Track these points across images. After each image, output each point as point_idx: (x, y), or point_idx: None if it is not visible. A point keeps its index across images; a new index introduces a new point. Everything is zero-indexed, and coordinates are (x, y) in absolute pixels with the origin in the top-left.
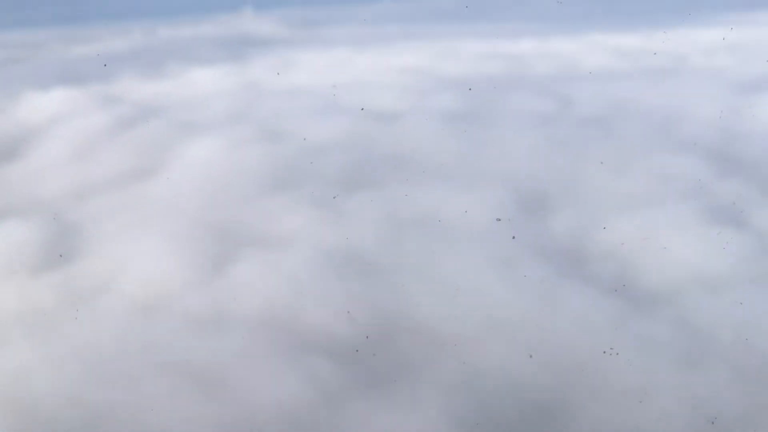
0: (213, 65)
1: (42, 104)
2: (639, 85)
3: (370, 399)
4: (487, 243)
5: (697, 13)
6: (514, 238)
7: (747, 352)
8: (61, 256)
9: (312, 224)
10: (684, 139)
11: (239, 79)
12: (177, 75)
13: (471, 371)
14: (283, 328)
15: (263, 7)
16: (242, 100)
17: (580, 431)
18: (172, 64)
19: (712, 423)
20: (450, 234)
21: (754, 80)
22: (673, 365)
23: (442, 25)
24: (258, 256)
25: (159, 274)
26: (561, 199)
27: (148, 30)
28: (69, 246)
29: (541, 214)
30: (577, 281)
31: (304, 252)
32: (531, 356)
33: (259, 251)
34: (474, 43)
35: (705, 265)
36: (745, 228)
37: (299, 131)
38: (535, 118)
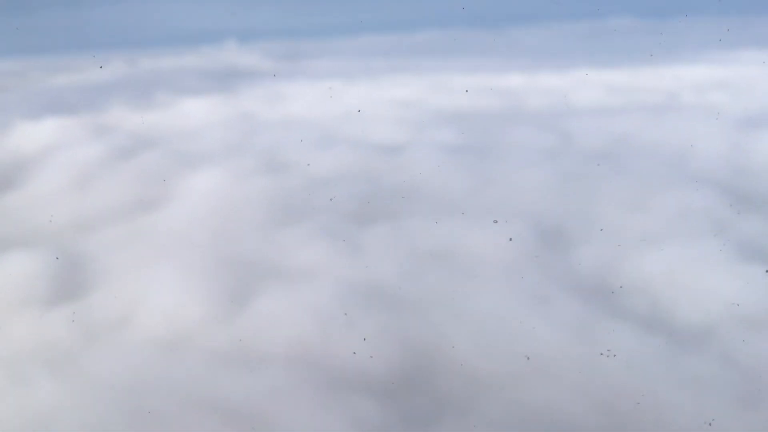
0: (203, 96)
1: (35, 133)
2: (638, 120)
3: None
4: (514, 277)
5: (678, 52)
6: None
7: None
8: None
9: (331, 257)
10: (695, 174)
11: (232, 110)
12: (167, 105)
13: (516, 409)
14: (314, 365)
15: (246, 40)
16: (238, 131)
17: None
18: (161, 95)
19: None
20: (474, 268)
21: (753, 117)
22: (731, 405)
23: (425, 59)
24: (280, 290)
25: (179, 309)
26: (581, 234)
27: (130, 60)
28: (80, 279)
29: (563, 249)
30: (612, 317)
31: (328, 286)
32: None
33: (280, 285)
34: (463, 78)
35: (739, 300)
36: None
37: (302, 162)
38: (539, 152)
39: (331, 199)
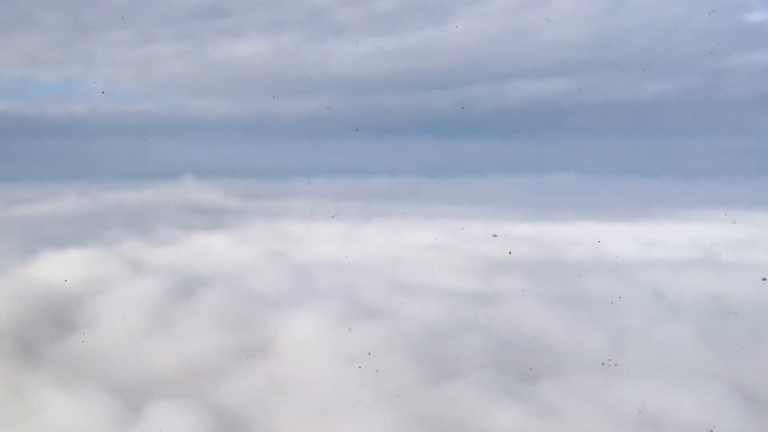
0: (206, 232)
1: (67, 265)
2: (710, 276)
3: None
4: None
5: (643, 208)
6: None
7: None
8: None
9: (530, 419)
10: None
11: (258, 248)
12: (178, 240)
13: None
14: None
15: (202, 176)
16: (287, 271)
17: None
18: (162, 229)
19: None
20: None
21: None
22: None
23: (402, 204)
24: None
25: None
26: None
27: (84, 193)
28: None
29: None
30: None
31: None
32: None
33: None
34: (475, 224)
35: None
36: None
37: (394, 308)
38: (645, 304)
39: (468, 352)
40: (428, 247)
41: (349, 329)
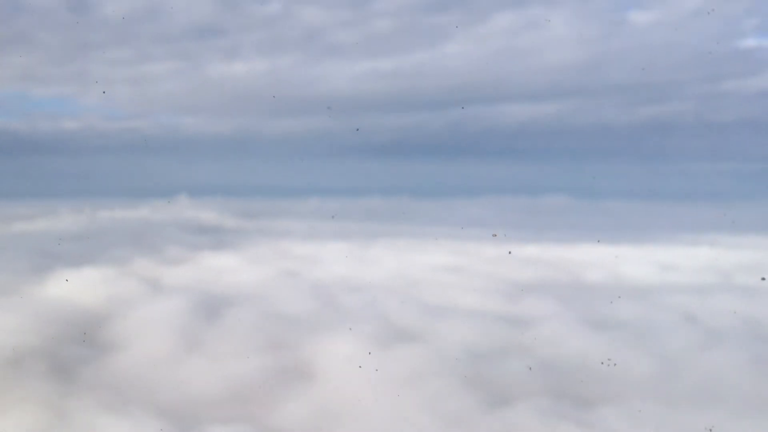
0: (214, 251)
1: (83, 284)
2: (734, 300)
3: None
4: None
5: (650, 232)
6: None
7: None
8: None
9: None
10: None
11: (271, 268)
12: (188, 260)
13: None
14: None
15: (197, 195)
16: (306, 291)
17: None
18: (166, 248)
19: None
20: None
21: None
22: None
23: (399, 224)
24: None
25: None
26: None
27: (80, 210)
28: None
29: None
30: None
31: None
32: None
33: None
34: (480, 246)
35: None
36: None
37: (428, 330)
38: (678, 329)
39: (511, 377)
40: (443, 267)
41: (390, 352)
